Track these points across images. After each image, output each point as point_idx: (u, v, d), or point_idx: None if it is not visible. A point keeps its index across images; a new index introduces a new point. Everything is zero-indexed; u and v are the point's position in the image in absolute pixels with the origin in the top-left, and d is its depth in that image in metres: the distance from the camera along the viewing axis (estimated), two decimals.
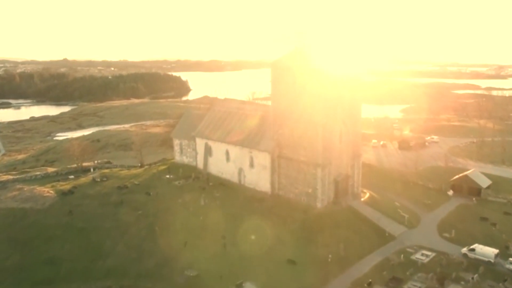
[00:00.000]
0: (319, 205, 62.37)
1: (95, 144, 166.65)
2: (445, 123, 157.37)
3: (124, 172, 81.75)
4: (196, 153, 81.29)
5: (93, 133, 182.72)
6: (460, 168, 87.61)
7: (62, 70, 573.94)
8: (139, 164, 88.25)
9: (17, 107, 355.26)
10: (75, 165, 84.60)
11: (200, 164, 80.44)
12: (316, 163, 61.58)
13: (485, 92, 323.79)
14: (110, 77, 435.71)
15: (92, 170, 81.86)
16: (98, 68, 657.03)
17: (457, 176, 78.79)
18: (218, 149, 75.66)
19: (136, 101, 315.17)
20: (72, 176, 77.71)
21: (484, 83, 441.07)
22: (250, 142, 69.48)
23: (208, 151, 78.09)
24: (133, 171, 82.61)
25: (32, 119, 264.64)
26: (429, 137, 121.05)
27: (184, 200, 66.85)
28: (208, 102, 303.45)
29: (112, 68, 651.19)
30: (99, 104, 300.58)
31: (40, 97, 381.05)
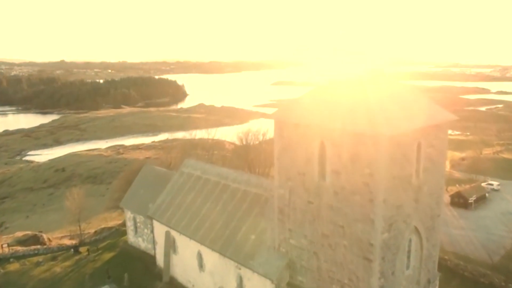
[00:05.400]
0: None
1: (59, 174, 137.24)
2: (491, 153, 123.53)
3: (36, 272, 50.90)
4: (155, 242, 50.73)
5: (59, 158, 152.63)
6: None
7: (58, 72, 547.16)
8: (72, 249, 57.37)
9: (2, 115, 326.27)
10: None
11: (160, 259, 49.82)
12: None
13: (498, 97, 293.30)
14: (101, 82, 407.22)
15: None
16: (95, 70, 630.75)
17: None
18: (186, 246, 44.85)
19: (124, 110, 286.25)
20: None
21: (492, 86, 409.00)
22: (237, 250, 38.49)
23: (171, 246, 47.33)
24: (56, 269, 51.88)
25: (6, 133, 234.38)
26: (484, 182, 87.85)
27: None
28: (204, 111, 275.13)
29: (109, 70, 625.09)
30: (82, 115, 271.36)
31: (26, 104, 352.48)
